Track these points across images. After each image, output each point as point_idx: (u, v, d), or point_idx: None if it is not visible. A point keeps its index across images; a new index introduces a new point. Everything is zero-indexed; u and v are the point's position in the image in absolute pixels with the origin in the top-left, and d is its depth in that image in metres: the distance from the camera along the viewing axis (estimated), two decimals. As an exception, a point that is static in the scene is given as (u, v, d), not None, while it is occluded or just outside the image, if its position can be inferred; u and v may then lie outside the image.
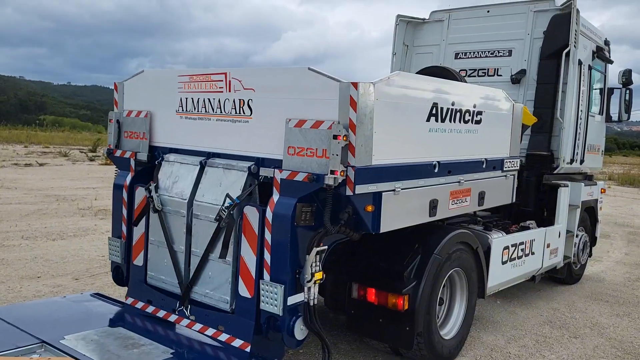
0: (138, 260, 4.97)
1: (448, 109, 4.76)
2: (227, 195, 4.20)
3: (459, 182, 5.04)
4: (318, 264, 4.04)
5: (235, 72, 4.45)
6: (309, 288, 4.02)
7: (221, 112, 4.54)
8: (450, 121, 4.81)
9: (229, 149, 4.52)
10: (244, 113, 4.40)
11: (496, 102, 5.63)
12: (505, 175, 5.89)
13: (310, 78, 3.99)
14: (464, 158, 5.11)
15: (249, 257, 4.17)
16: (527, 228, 7.20)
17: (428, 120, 4.54)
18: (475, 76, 8.31)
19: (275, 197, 4.05)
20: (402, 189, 4.28)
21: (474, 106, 5.14)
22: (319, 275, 4.02)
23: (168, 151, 4.94)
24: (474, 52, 8.36)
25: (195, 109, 4.73)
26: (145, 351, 4.09)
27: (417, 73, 7.50)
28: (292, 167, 4.00)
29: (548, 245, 7.28)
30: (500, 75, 8.09)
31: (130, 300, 4.97)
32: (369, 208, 4.05)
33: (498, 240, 6.06)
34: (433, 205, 4.73)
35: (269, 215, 4.02)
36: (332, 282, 5.40)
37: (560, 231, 7.64)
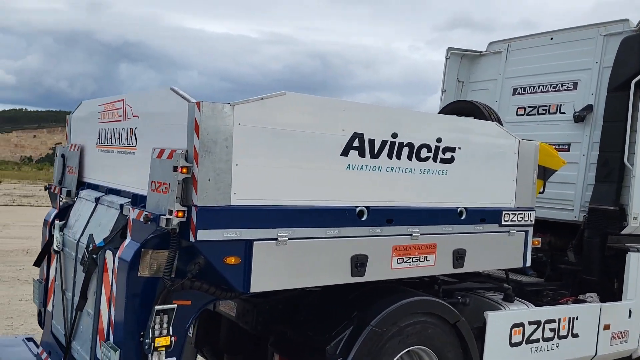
0: (50, 306, 4.55)
1: (385, 142, 3.78)
2: (90, 237, 3.63)
3: (410, 234, 3.96)
4: (166, 326, 3.25)
5: (128, 98, 3.95)
6: (152, 356, 3.24)
7: (119, 143, 4.04)
8: (389, 157, 3.82)
9: (119, 184, 3.98)
10: (131, 143, 3.86)
11: (484, 137, 4.46)
12: (508, 231, 4.61)
13: (172, 100, 3.34)
14: (421, 205, 4.03)
15: (105, 311, 3.52)
16: (584, 302, 5.68)
17: (345, 154, 3.61)
18: (534, 114, 6.99)
19: (127, 240, 3.39)
20: (291, 239, 3.39)
21: (439, 140, 4.07)
22: (162, 341, 3.22)
23: (86, 187, 4.53)
24: (534, 87, 7.06)
25: (106, 140, 4.29)
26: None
27: (441, 110, 6.47)
28: (151, 205, 3.33)
29: (607, 327, 5.63)
30: (564, 113, 6.69)
31: (40, 349, 4.54)
32: (231, 260, 3.21)
33: (500, 315, 4.73)
34: (359, 263, 3.72)
35: (116, 261, 3.37)
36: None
37: (632, 309, 5.91)
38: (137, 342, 3.25)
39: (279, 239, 3.34)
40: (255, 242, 3.26)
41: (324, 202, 3.54)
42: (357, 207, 3.69)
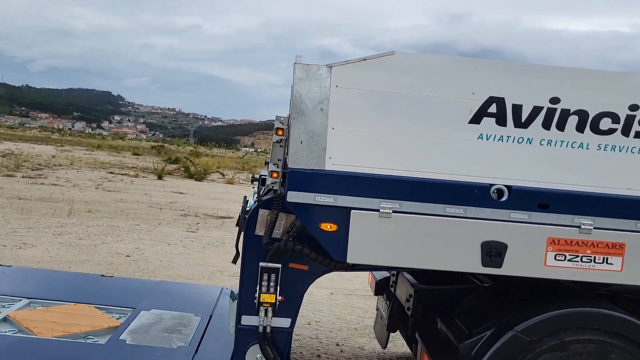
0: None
1: (539, 109, 3.08)
2: (244, 198, 3.97)
3: (578, 227, 3.13)
4: (273, 284, 3.34)
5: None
6: (260, 311, 3.38)
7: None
8: (546, 128, 3.09)
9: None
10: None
11: None
12: None
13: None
14: (598, 190, 3.14)
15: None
16: None
17: (476, 122, 3.08)
18: None
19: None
20: (397, 212, 3.08)
21: (633, 108, 3.10)
22: (267, 298, 3.32)
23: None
24: None
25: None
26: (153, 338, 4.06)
27: None
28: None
29: None
30: None
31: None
32: (326, 226, 3.11)
33: None
34: (494, 251, 3.12)
35: (248, 220, 3.62)
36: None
37: None
38: (250, 294, 3.44)
39: (382, 210, 3.07)
40: (353, 211, 3.08)
41: (444, 175, 3.10)
42: (492, 184, 3.11)
